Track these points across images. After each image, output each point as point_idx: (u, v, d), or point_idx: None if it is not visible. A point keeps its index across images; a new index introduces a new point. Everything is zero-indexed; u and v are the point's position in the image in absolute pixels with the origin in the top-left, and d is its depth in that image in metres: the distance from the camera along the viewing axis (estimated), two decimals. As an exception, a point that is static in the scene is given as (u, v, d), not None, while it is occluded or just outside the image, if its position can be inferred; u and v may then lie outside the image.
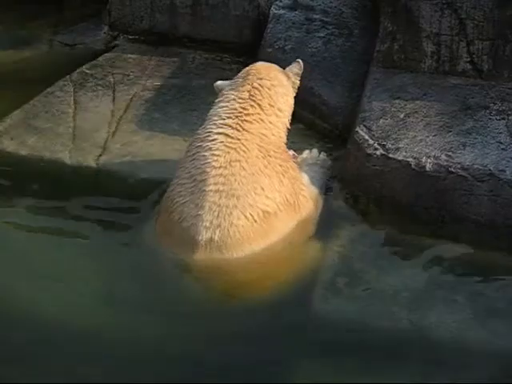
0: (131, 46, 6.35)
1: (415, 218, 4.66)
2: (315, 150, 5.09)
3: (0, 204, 4.88)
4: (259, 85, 4.69)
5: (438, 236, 4.58)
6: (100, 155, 5.22)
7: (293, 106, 4.85)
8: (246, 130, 4.53)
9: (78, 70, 6.02)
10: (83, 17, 6.71)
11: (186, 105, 5.68)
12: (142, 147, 5.29)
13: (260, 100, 4.65)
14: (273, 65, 4.90)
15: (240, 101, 4.63)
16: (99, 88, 5.85)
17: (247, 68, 4.85)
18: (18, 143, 5.33)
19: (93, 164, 5.16)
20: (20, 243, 4.60)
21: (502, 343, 3.95)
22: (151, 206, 4.77)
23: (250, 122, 4.57)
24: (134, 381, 3.83)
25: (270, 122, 4.65)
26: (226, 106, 4.62)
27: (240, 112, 4.59)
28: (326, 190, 4.90)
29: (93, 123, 5.50)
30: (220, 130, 4.52)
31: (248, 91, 4.66)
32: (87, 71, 6.04)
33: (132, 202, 4.90)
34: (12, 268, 4.40)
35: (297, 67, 4.91)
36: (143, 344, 3.99)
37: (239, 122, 4.55)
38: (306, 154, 5.05)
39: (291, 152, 4.97)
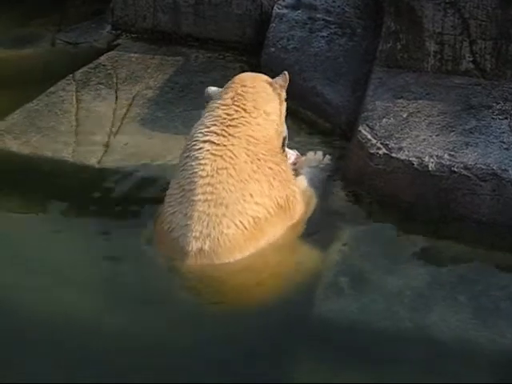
0: (134, 45, 6.36)
1: (418, 218, 4.66)
2: (320, 153, 5.06)
3: (2, 202, 4.89)
4: (242, 91, 4.64)
5: (441, 235, 4.58)
6: (103, 154, 5.22)
7: (283, 114, 4.80)
8: (232, 135, 4.49)
9: (80, 69, 6.03)
10: (86, 15, 6.72)
11: (189, 104, 5.68)
12: (144, 146, 5.29)
13: (244, 104, 4.60)
14: (259, 74, 4.87)
15: (223, 107, 4.59)
16: (102, 87, 5.86)
17: (233, 78, 4.81)
18: (20, 142, 5.34)
19: (95, 163, 5.16)
20: (21, 241, 4.60)
21: (504, 342, 3.94)
22: (153, 206, 4.76)
23: (235, 126, 4.53)
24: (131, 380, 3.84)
25: (258, 124, 4.59)
26: (210, 115, 4.59)
27: (224, 118, 4.55)
28: (327, 189, 4.90)
29: (95, 122, 5.51)
30: (206, 138, 4.48)
31: (231, 98, 4.62)
32: (90, 70, 6.05)
33: (134, 201, 4.89)
34: (12, 265, 4.40)
35: (282, 79, 4.81)
36: (142, 341, 4.00)
37: (224, 128, 4.51)
38: (310, 155, 5.03)
39: (295, 152, 4.96)
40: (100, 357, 3.91)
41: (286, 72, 4.85)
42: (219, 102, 4.64)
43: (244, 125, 4.55)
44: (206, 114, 4.63)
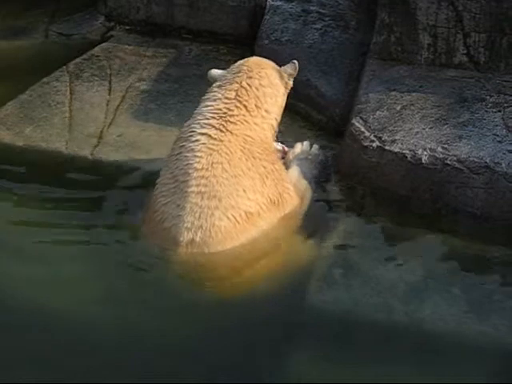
0: (127, 37, 6.35)
1: (411, 210, 4.67)
2: (307, 143, 5.04)
3: (-5, 194, 4.89)
4: (247, 84, 4.62)
5: (434, 228, 4.59)
6: (96, 145, 5.22)
7: (283, 106, 4.78)
8: (230, 132, 4.49)
9: (74, 61, 6.01)
10: (79, 7, 6.69)
11: (183, 95, 5.67)
12: (137, 138, 5.29)
13: (246, 101, 4.60)
14: (267, 61, 4.82)
15: (226, 101, 4.58)
16: (95, 78, 5.85)
17: (240, 62, 4.78)
18: (13, 133, 5.33)
19: (88, 154, 5.16)
20: (15, 234, 4.60)
21: (497, 335, 3.96)
22: (146, 197, 4.75)
23: (234, 123, 4.52)
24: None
25: (256, 124, 4.59)
26: (212, 106, 4.58)
27: (224, 113, 4.54)
28: (320, 182, 4.89)
29: (89, 114, 5.50)
30: (203, 131, 4.48)
31: (235, 91, 4.60)
32: (83, 61, 6.03)
33: (127, 192, 4.90)
34: (7, 259, 4.40)
35: (292, 68, 4.80)
36: (135, 332, 4.01)
37: (223, 123, 4.50)
38: (297, 147, 5.00)
39: (280, 145, 4.94)
40: (95, 350, 3.91)
41: (295, 61, 4.83)
42: (222, 92, 4.61)
43: (243, 123, 4.54)
44: (207, 104, 4.61)
